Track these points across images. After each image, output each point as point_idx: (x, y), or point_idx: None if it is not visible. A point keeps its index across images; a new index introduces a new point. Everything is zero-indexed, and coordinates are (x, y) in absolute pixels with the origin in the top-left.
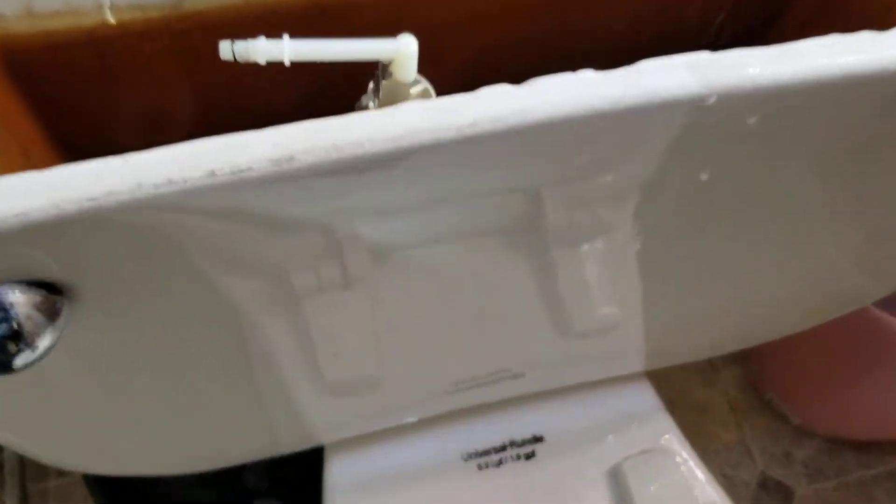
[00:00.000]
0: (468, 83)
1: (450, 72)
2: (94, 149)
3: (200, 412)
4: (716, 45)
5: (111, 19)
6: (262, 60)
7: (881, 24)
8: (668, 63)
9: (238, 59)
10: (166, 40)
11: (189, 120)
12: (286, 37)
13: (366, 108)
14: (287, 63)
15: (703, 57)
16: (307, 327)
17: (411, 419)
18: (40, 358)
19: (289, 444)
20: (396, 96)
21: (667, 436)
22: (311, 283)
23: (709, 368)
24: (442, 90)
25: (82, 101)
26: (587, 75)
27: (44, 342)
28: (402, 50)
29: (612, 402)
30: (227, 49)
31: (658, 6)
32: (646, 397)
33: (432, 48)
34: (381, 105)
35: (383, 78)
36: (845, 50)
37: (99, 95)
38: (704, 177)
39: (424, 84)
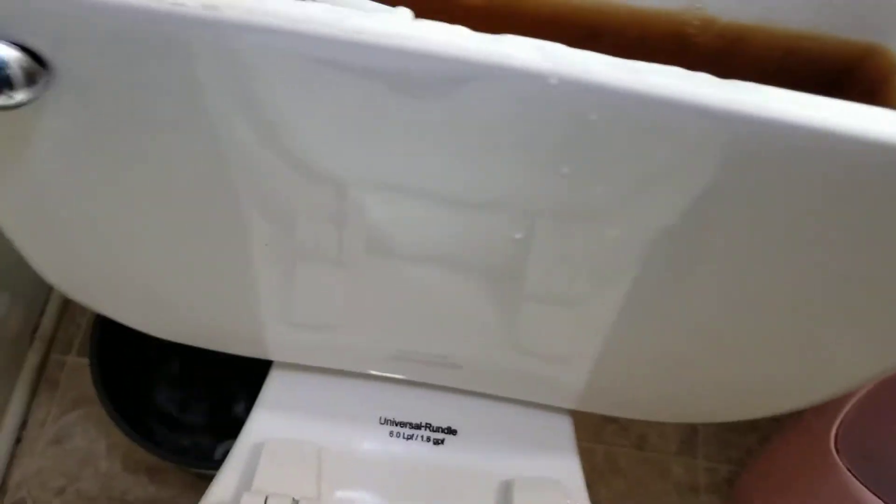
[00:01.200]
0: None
1: None
2: None
3: (170, 256)
4: None
5: None
6: None
7: None
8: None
9: None
10: None
11: None
12: None
13: None
14: None
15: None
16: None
17: (350, 367)
18: (14, 107)
19: (245, 345)
20: None
21: (568, 474)
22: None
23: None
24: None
25: None
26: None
27: (19, 96)
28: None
29: (532, 423)
30: None
31: None
32: (565, 432)
33: None
34: None
35: None
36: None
37: None
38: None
39: None
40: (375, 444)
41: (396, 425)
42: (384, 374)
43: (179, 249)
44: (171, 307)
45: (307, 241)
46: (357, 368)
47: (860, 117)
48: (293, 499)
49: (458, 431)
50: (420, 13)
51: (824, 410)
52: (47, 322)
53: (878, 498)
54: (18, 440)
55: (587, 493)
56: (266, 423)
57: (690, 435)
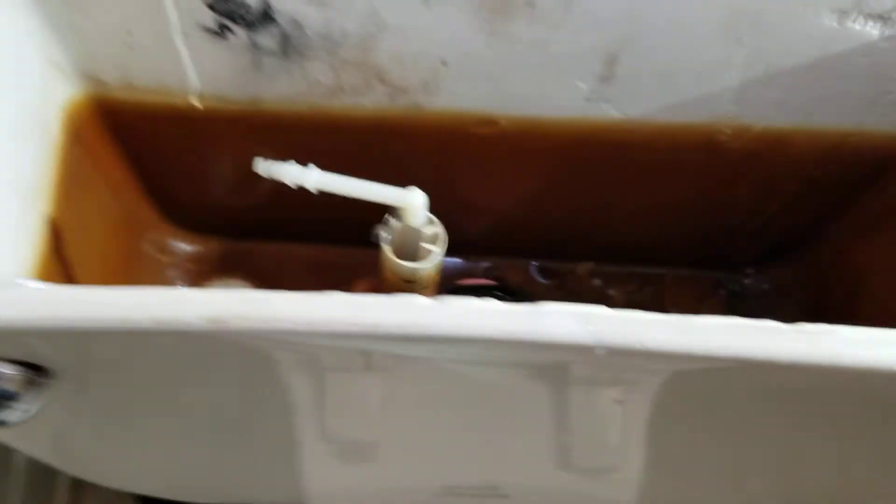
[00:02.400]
0: (495, 232)
1: (482, 219)
2: (184, 198)
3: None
4: (763, 234)
5: (198, 104)
6: (290, 183)
7: None
8: (564, 310)
9: (267, 177)
10: (244, 127)
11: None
12: (312, 167)
13: (379, 236)
14: (313, 191)
15: (599, 311)
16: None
17: None
18: (22, 421)
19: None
20: (407, 235)
21: None
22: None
23: None
24: (469, 234)
25: (171, 160)
26: (494, 305)
27: (19, 414)
28: (409, 201)
29: None
30: (262, 166)
31: (706, 190)
32: None
33: (467, 199)
34: (394, 240)
35: (396, 217)
36: (746, 333)
37: (184, 158)
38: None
39: (437, 228)
40: None
41: None
42: None
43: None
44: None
45: None
46: None
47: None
48: None
49: None
50: (441, 153)
51: None
52: None
53: None
54: None
55: None
56: None
57: None
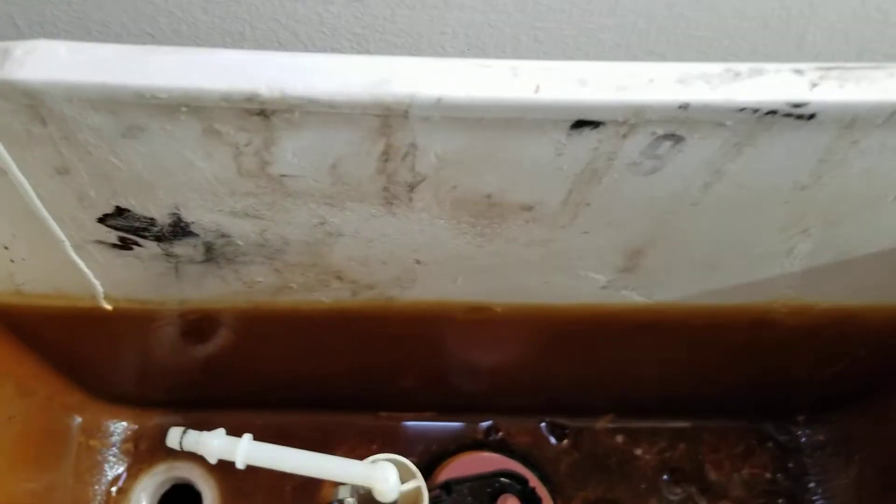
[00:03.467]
0: (497, 389)
1: (480, 379)
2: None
3: None
4: (821, 388)
5: (107, 306)
6: (211, 460)
7: None
8: None
9: (185, 449)
10: (170, 321)
11: (196, 376)
12: (247, 438)
13: (342, 501)
14: (240, 466)
15: None
16: None
17: None
18: None
19: None
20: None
21: None
22: None
23: None
24: (465, 392)
25: (87, 353)
26: None
27: None
28: (378, 480)
29: None
30: (175, 437)
31: (754, 358)
32: None
33: (461, 364)
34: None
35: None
36: None
37: (102, 351)
38: None
39: (418, 482)
40: None
41: None
42: None
43: None
44: None
45: None
46: None
47: None
48: None
49: None
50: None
51: None
52: None
53: None
54: None
55: None
56: None
57: None
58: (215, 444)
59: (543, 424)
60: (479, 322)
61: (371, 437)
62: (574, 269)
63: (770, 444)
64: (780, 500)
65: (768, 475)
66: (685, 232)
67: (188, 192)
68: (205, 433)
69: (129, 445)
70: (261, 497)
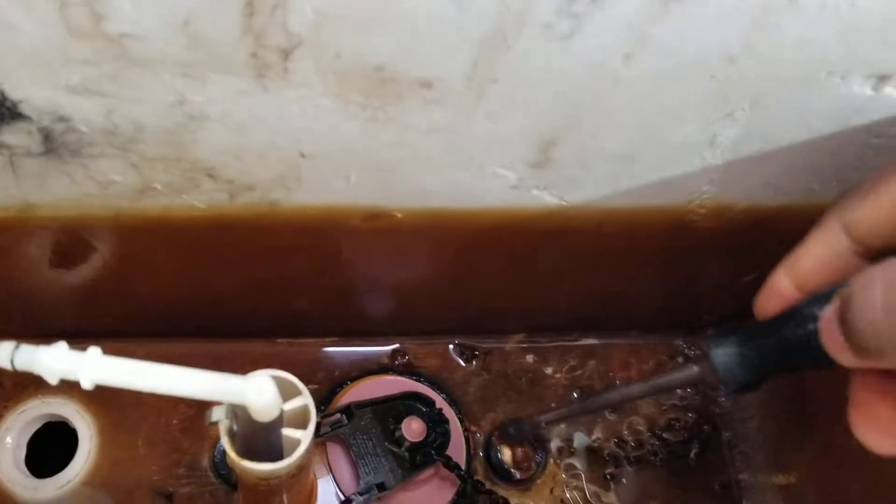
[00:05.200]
0: (402, 310)
1: (383, 298)
2: None
3: None
4: (734, 298)
5: None
6: (52, 381)
7: None
8: None
9: (18, 369)
10: (16, 234)
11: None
12: (93, 351)
13: (217, 423)
14: (87, 386)
15: None
16: None
17: None
18: None
19: None
20: (256, 425)
21: None
22: None
23: None
24: (367, 314)
25: None
26: None
27: None
28: (251, 394)
29: None
30: (6, 354)
31: (667, 266)
32: None
33: (360, 280)
34: (239, 430)
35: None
36: None
37: None
38: None
39: (305, 399)
40: None
41: None
42: None
43: None
44: None
45: None
46: None
47: None
48: None
49: None
50: None
51: None
52: None
53: None
54: None
55: None
56: None
57: None
58: (53, 359)
59: (452, 346)
60: (378, 231)
61: (266, 365)
62: (482, 165)
63: (680, 360)
64: (691, 415)
65: (678, 391)
66: (602, 116)
67: (10, 60)
68: (41, 347)
69: None
70: (145, 434)
